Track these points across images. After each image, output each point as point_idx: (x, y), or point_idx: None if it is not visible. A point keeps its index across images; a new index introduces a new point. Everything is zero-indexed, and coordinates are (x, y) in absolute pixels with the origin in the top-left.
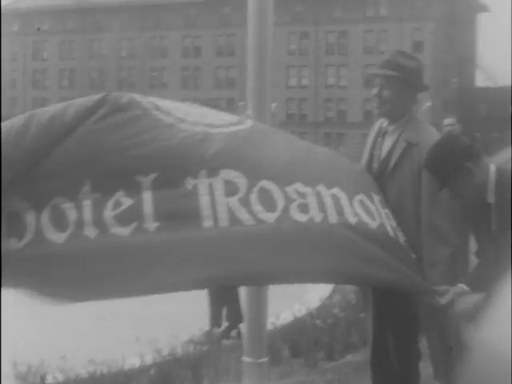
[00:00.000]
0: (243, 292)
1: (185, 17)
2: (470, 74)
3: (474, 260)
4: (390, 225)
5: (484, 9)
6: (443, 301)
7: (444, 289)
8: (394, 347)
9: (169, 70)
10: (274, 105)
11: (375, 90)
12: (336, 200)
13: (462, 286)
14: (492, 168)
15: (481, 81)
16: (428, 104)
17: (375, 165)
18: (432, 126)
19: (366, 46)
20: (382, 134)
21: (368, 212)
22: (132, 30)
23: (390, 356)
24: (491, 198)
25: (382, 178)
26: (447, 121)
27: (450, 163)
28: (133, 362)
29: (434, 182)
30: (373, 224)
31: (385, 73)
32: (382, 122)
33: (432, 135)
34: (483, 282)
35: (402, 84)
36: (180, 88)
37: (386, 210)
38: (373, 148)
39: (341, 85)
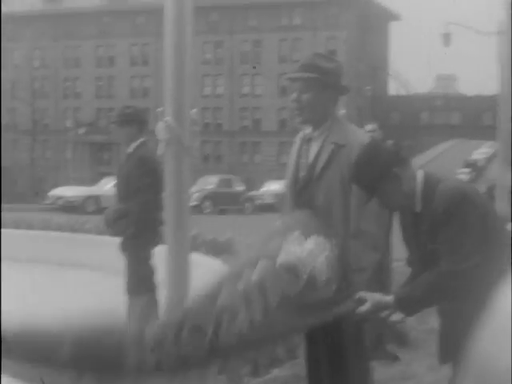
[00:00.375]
0: None
1: (98, 26)
2: (382, 82)
3: (398, 267)
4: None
5: (395, 17)
6: (363, 309)
7: (363, 296)
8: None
9: (82, 80)
10: (194, 111)
11: (294, 95)
12: None
13: (384, 298)
14: (420, 174)
15: (393, 89)
16: (342, 112)
17: (302, 173)
18: (357, 127)
19: (281, 55)
20: (307, 140)
21: None
22: (45, 39)
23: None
24: (418, 207)
25: (309, 185)
26: (369, 127)
27: (378, 170)
28: None
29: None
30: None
31: (302, 75)
32: (305, 130)
33: (359, 135)
34: (415, 300)
35: (320, 86)
36: (94, 98)
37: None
38: (298, 157)
39: (256, 94)
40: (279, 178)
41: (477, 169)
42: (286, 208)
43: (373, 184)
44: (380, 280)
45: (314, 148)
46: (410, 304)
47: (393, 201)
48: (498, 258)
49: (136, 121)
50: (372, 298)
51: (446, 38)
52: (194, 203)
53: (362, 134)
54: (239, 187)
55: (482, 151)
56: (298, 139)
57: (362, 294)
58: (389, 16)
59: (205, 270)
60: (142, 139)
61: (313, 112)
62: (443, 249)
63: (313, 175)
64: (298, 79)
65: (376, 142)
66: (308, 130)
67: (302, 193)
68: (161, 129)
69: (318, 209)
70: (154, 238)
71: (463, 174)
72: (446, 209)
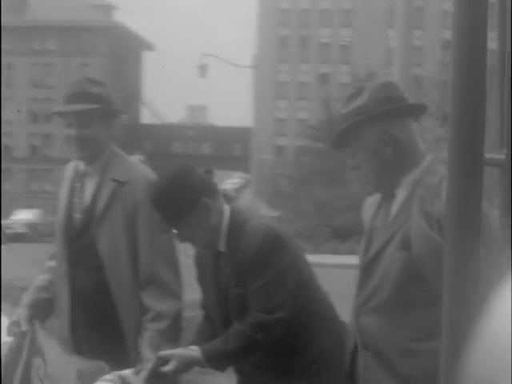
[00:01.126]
0: None
1: None
2: (135, 110)
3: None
4: None
5: (149, 47)
6: (169, 368)
7: (166, 354)
8: None
9: None
10: None
11: (74, 132)
12: None
13: (191, 353)
14: (226, 209)
15: (146, 117)
16: None
17: (77, 215)
18: (137, 160)
19: (32, 80)
20: (80, 177)
21: None
22: None
23: None
24: (222, 245)
25: (89, 227)
26: (136, 157)
27: (186, 198)
28: None
29: (154, 225)
30: None
31: (81, 108)
32: (76, 164)
33: (142, 170)
34: (224, 354)
35: (99, 116)
36: None
37: None
38: (71, 195)
39: (6, 119)
40: (30, 206)
41: (227, 199)
42: (58, 252)
43: (177, 214)
44: (180, 328)
45: (90, 186)
46: (219, 359)
47: (197, 234)
48: (310, 304)
49: None
50: (178, 356)
51: (202, 70)
52: None
53: (143, 169)
54: None
55: (232, 182)
56: (69, 170)
57: (164, 352)
58: (143, 45)
59: None
60: None
61: (95, 146)
62: (253, 296)
63: (93, 217)
64: (76, 113)
65: (186, 168)
66: (81, 164)
67: (80, 238)
68: None
69: (102, 253)
70: None
71: None
72: (258, 252)
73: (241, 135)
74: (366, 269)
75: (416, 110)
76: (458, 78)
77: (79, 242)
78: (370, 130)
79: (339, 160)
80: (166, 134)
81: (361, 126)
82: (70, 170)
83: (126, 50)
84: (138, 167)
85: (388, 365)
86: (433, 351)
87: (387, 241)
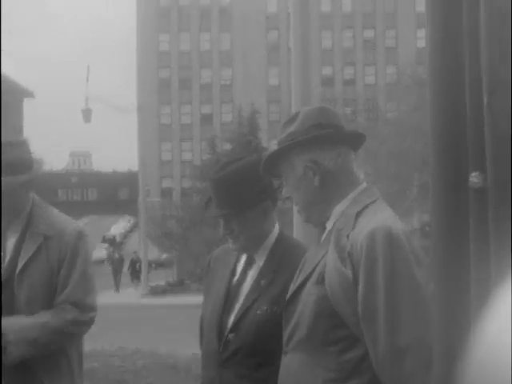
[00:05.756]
0: None
1: None
2: None
3: None
4: None
5: (30, 94)
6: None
7: None
8: None
9: None
10: None
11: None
12: None
13: None
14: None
15: None
16: None
17: None
18: (60, 212)
19: None
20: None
21: None
22: None
23: None
24: (262, 256)
25: (9, 285)
26: None
27: (255, 193)
28: None
29: (77, 274)
30: None
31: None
32: None
33: (67, 222)
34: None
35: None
36: None
37: None
38: None
39: None
40: None
41: (114, 244)
42: None
43: (241, 204)
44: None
45: (11, 239)
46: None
47: (244, 233)
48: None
49: None
50: None
51: (86, 114)
52: None
53: (68, 220)
54: None
55: (119, 226)
56: None
57: None
58: (23, 93)
59: None
60: None
61: (21, 206)
62: None
63: (14, 270)
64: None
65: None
66: None
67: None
68: None
69: (22, 304)
70: None
71: (103, 249)
72: None
73: (126, 179)
74: (288, 305)
75: (351, 138)
76: (436, 96)
77: None
78: (297, 157)
79: None
80: (50, 182)
81: (289, 153)
82: None
83: (6, 99)
84: (63, 218)
85: None
86: None
87: (307, 276)
